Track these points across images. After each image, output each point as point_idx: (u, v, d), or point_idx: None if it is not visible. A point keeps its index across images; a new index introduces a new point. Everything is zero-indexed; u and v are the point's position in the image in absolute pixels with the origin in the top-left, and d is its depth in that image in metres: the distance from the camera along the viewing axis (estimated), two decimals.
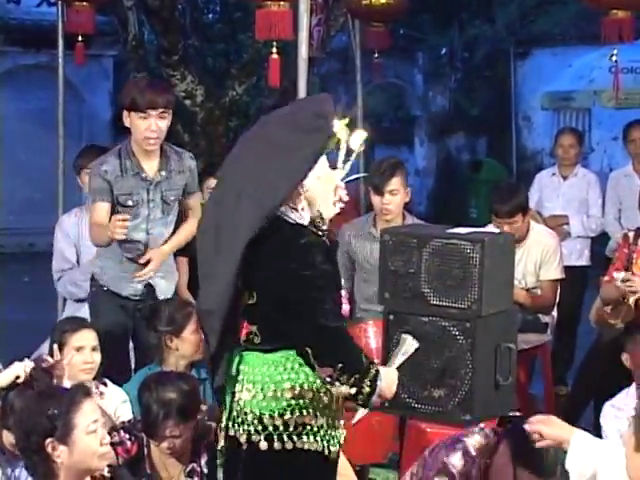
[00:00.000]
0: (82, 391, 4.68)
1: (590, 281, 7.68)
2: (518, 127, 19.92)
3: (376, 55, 10.76)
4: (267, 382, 4.46)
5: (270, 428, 4.42)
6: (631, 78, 10.16)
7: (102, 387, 6.06)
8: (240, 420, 4.49)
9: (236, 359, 4.53)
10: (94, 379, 5.97)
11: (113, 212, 6.62)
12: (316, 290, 4.31)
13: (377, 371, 4.37)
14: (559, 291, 7.86)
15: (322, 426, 4.45)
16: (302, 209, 4.46)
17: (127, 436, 5.54)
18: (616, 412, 5.90)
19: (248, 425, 4.47)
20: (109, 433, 5.58)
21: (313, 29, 8.18)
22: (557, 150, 9.79)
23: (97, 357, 5.93)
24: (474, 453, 4.96)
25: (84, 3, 9.31)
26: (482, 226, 7.10)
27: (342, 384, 4.32)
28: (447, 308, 5.70)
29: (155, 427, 5.47)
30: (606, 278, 7.12)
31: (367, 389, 4.32)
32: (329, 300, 4.36)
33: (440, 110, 20.13)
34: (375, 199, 7.28)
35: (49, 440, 4.31)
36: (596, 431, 6.76)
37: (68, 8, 9.49)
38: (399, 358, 4.66)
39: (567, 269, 8.25)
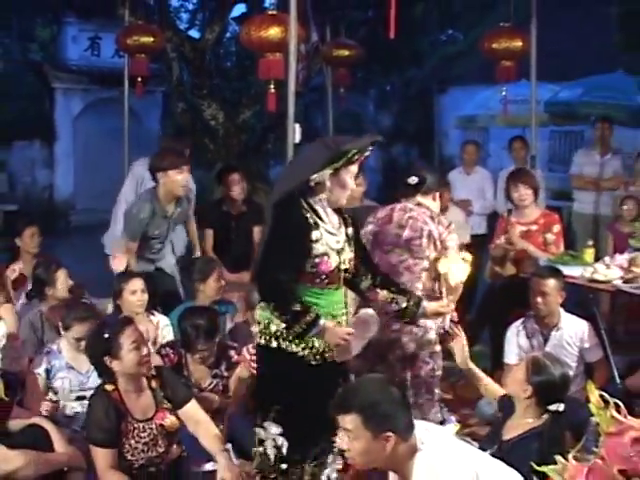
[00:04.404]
0: (124, 320, 4.71)
1: (486, 245, 7.69)
2: (439, 140, 19.91)
3: (342, 90, 10.72)
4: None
5: (267, 331, 4.28)
6: (515, 107, 10.13)
7: (151, 316, 6.05)
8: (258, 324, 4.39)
9: None
10: (146, 310, 5.97)
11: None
12: (281, 248, 4.16)
13: (313, 320, 4.09)
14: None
15: (297, 337, 4.19)
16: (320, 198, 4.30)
17: (171, 351, 5.55)
18: (515, 331, 5.94)
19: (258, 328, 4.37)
20: (159, 349, 5.60)
21: (299, 72, 8.11)
22: (464, 155, 9.81)
23: (145, 296, 5.91)
24: None
25: (142, 55, 9.28)
26: None
27: (276, 317, 4.18)
28: None
29: (190, 344, 5.46)
30: (492, 245, 7.15)
31: (299, 329, 4.10)
32: (292, 259, 4.15)
33: (385, 128, 20.01)
34: None
35: (106, 357, 4.31)
36: (491, 344, 6.82)
37: (131, 58, 9.47)
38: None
39: (472, 236, 8.27)
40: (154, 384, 4.49)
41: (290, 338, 4.20)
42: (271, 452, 4.22)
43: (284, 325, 4.16)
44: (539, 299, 5.69)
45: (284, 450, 4.21)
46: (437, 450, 3.37)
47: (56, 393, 5.20)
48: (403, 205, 5.27)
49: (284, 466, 4.25)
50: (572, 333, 5.73)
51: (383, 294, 4.49)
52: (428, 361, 5.19)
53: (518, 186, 6.95)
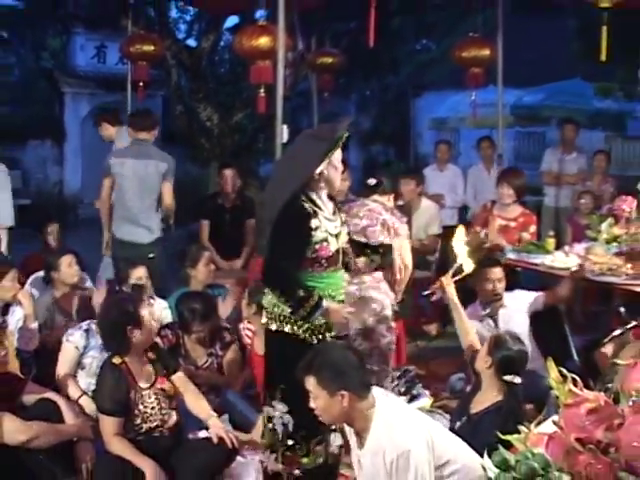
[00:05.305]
0: (139, 295, 4.81)
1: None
2: (414, 140, 19.94)
3: (326, 95, 10.71)
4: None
5: (272, 315, 4.19)
6: (483, 110, 10.14)
7: (151, 300, 6.03)
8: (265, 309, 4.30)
9: None
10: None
11: None
12: (286, 238, 4.09)
13: (317, 303, 4.02)
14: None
15: (298, 319, 4.08)
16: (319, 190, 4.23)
17: (169, 332, 5.54)
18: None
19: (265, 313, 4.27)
20: (158, 330, 5.58)
21: (286, 78, 8.10)
22: (437, 153, 9.81)
23: (149, 283, 5.91)
24: None
25: (144, 62, 9.25)
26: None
27: (282, 303, 4.11)
28: None
29: (186, 326, 5.46)
30: (472, 230, 7.13)
31: (303, 313, 4.03)
32: (294, 248, 4.08)
33: (366, 129, 20.04)
34: None
35: (129, 327, 4.31)
36: None
37: (134, 65, 9.42)
38: None
39: (444, 227, 8.27)
40: (150, 355, 4.51)
41: (293, 321, 4.12)
42: (279, 429, 4.17)
43: (289, 310, 4.10)
44: (498, 285, 5.78)
45: (290, 427, 4.15)
46: (394, 408, 3.47)
47: (82, 369, 5.18)
48: (363, 202, 5.51)
49: (290, 442, 4.18)
50: (518, 304, 5.81)
51: (361, 260, 4.66)
52: (385, 334, 5.28)
53: (503, 184, 6.93)
